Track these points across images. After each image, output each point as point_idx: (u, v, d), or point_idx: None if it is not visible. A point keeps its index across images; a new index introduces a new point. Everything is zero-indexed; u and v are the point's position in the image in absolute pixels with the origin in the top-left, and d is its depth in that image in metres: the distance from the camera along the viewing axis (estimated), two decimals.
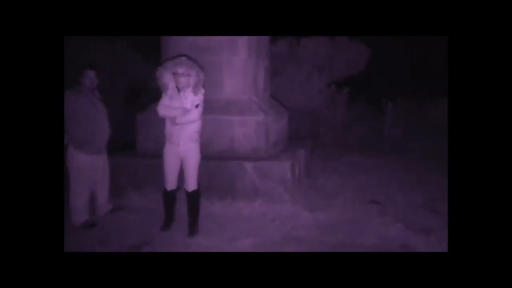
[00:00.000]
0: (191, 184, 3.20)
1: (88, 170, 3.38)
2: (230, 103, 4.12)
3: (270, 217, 3.48)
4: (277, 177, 3.70)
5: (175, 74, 3.05)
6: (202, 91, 3.16)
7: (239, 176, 3.72)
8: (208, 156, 3.98)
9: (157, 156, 3.33)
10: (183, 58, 3.14)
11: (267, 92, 4.81)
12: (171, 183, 3.24)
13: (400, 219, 3.45)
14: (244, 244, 2.97)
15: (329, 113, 7.36)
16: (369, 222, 3.42)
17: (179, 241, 3.05)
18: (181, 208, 3.33)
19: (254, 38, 4.29)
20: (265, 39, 4.69)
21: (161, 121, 3.19)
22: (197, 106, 3.11)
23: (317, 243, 2.99)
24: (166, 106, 3.09)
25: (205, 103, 4.31)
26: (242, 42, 4.16)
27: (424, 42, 8.71)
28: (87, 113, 3.33)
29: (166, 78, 3.09)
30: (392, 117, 7.04)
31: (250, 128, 4.00)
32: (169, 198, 3.29)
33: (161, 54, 4.31)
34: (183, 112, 3.07)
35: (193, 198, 3.23)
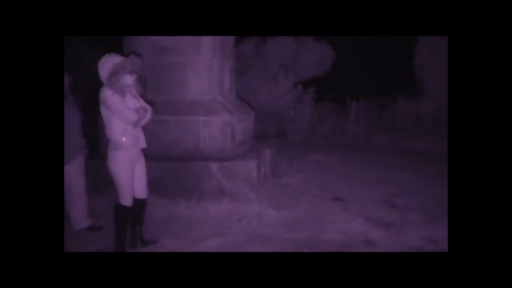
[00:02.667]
0: (145, 190, 2.94)
1: (71, 178, 3.29)
2: (195, 103, 4.10)
3: (236, 217, 3.50)
4: (243, 177, 3.72)
5: (132, 73, 2.76)
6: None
7: (205, 176, 3.72)
8: (173, 157, 3.96)
9: None
10: (132, 57, 2.96)
11: (233, 92, 4.82)
12: (129, 196, 2.81)
13: (362, 214, 3.58)
14: (210, 245, 2.97)
15: (296, 112, 7.47)
16: (333, 219, 3.52)
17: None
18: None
19: (218, 38, 4.28)
20: (230, 39, 4.69)
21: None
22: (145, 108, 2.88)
23: (282, 241, 3.05)
24: (135, 110, 2.73)
25: (169, 104, 4.27)
26: (207, 42, 4.14)
27: (387, 43, 9.01)
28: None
29: (128, 79, 2.74)
30: (356, 116, 7.24)
31: (215, 128, 4.00)
32: (128, 213, 2.83)
33: (124, 55, 4.22)
34: (145, 111, 2.82)
35: (145, 205, 2.98)
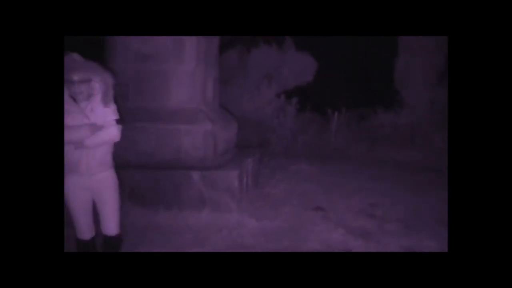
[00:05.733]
0: (112, 226, 2.40)
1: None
2: (177, 112, 4.09)
3: (216, 227, 3.49)
4: (224, 186, 3.72)
5: (69, 81, 2.19)
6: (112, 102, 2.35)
7: (185, 185, 3.70)
8: (153, 165, 3.92)
9: None
10: (76, 57, 2.28)
11: (216, 101, 4.84)
12: (86, 229, 2.40)
13: (342, 224, 3.62)
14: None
15: (278, 122, 7.53)
16: (313, 228, 3.55)
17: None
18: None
19: (202, 46, 4.30)
20: (214, 47, 4.72)
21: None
22: (117, 121, 2.34)
23: (262, 251, 3.05)
24: (67, 127, 2.18)
25: (151, 112, 4.22)
26: (190, 50, 4.15)
27: (368, 55, 9.23)
28: None
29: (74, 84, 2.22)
30: (337, 126, 7.36)
31: (197, 137, 3.99)
32: (90, 248, 2.44)
33: (106, 61, 4.19)
34: (92, 130, 2.25)
35: (115, 245, 2.45)
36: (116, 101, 2.42)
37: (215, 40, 4.64)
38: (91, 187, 2.36)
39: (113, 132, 2.33)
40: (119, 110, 2.45)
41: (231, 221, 3.58)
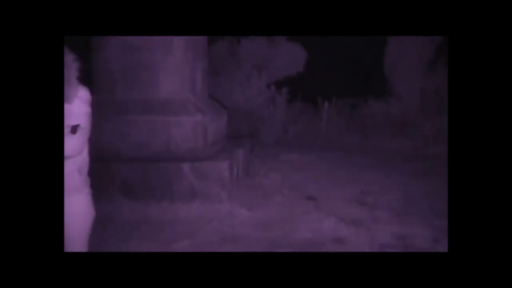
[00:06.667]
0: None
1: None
2: (166, 103, 4.04)
3: (207, 218, 3.47)
4: (214, 177, 3.70)
5: None
6: (84, 94, 1.79)
7: (176, 177, 3.67)
8: (143, 158, 3.89)
9: None
10: None
11: (206, 92, 4.79)
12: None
13: (333, 213, 3.63)
14: (181, 246, 2.94)
15: (269, 112, 7.50)
16: (304, 218, 3.56)
17: (112, 248, 2.92)
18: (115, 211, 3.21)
19: (191, 37, 4.24)
20: (202, 38, 4.66)
21: None
22: (73, 129, 1.71)
23: (254, 241, 3.05)
24: None
25: (140, 104, 4.16)
26: (178, 41, 4.09)
27: (359, 44, 9.21)
28: None
29: None
30: (328, 116, 7.36)
31: (187, 128, 3.96)
32: None
33: (91, 54, 4.10)
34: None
35: None
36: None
37: None
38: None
39: (70, 147, 1.62)
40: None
41: (222, 211, 3.57)
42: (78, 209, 1.87)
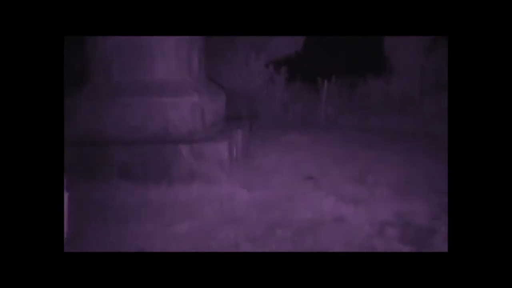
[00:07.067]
0: None
1: None
2: (163, 84, 3.99)
3: (207, 199, 3.47)
4: (214, 158, 3.69)
5: None
6: None
7: (174, 159, 3.66)
8: (141, 140, 3.86)
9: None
10: None
11: (203, 73, 4.72)
12: None
13: (333, 192, 3.63)
14: (181, 228, 2.94)
15: (268, 93, 7.43)
16: (304, 197, 3.55)
17: (112, 232, 2.93)
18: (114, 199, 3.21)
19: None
20: None
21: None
22: None
23: (254, 222, 3.05)
24: None
25: (136, 85, 4.11)
26: None
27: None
28: None
29: None
30: (327, 95, 7.29)
31: (185, 110, 3.92)
32: None
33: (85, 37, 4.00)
34: None
35: None
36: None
37: None
38: None
39: None
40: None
41: (222, 193, 3.56)
42: None
